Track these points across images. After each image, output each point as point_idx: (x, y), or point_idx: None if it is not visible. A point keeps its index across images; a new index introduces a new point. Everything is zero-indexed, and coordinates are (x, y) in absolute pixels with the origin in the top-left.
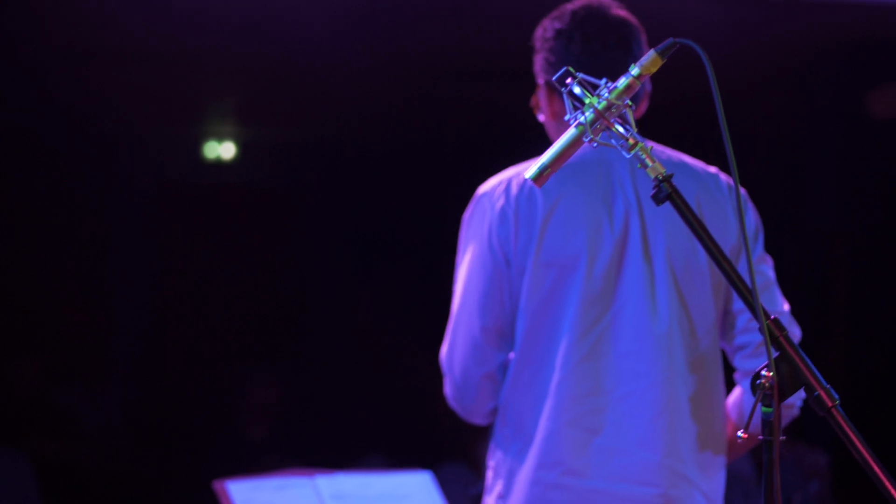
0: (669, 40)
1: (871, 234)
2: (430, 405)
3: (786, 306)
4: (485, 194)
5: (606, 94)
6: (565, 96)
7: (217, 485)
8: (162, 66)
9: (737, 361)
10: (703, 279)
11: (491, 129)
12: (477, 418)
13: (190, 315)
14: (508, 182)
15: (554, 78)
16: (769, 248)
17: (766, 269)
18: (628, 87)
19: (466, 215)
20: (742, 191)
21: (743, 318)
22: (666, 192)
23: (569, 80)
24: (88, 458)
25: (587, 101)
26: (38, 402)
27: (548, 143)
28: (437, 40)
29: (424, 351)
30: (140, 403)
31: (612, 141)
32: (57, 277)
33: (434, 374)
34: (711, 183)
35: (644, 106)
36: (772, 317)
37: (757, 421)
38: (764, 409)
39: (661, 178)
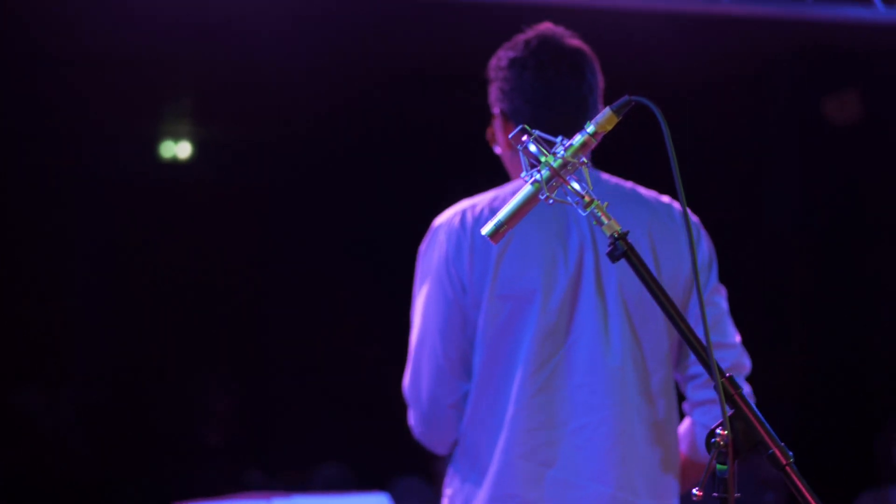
0: (625, 98)
1: (828, 237)
2: (390, 416)
3: (737, 338)
4: (441, 226)
5: (562, 152)
6: (521, 154)
7: None
8: (119, 67)
9: (688, 392)
10: (655, 312)
11: (448, 130)
12: (440, 448)
13: (148, 316)
14: (463, 214)
15: (510, 136)
16: (730, 252)
17: (719, 300)
18: (584, 145)
19: (423, 247)
20: (695, 219)
21: None
22: (622, 249)
23: (525, 138)
24: (45, 461)
25: (543, 159)
26: None
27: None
28: (396, 42)
29: (386, 358)
30: (98, 407)
31: (568, 198)
32: (14, 276)
33: (395, 381)
34: (664, 213)
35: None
36: (727, 374)
37: (703, 436)
38: (719, 466)
39: (616, 235)
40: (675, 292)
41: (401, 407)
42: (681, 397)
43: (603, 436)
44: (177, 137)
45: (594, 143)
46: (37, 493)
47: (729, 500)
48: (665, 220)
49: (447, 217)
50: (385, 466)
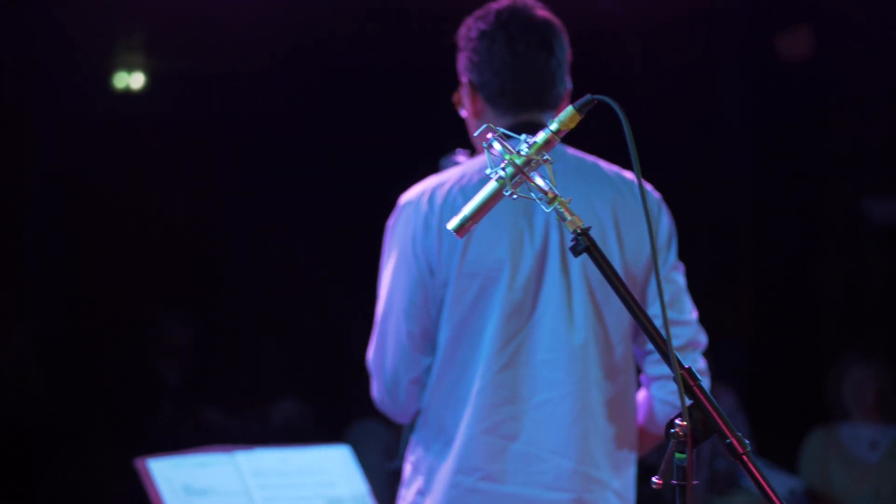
0: (587, 97)
1: (778, 175)
2: (350, 353)
3: (694, 314)
4: (408, 203)
5: (526, 150)
6: (486, 151)
7: (138, 462)
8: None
9: (645, 366)
10: None
11: (398, 64)
12: (402, 418)
13: (103, 250)
14: (433, 191)
15: (475, 134)
16: (685, 193)
17: (677, 277)
18: (547, 142)
19: (390, 222)
20: (657, 195)
21: (655, 323)
22: (584, 245)
23: (489, 136)
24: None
25: (506, 156)
26: None
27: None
28: None
29: (348, 293)
30: (53, 342)
31: (532, 194)
32: None
33: (355, 317)
34: (627, 191)
35: (566, 104)
36: (686, 366)
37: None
38: (678, 455)
39: (579, 231)
40: (637, 269)
41: (361, 343)
42: (638, 369)
43: (565, 411)
44: (130, 68)
45: (557, 141)
46: None
47: (687, 487)
48: (628, 198)
49: (415, 195)
50: (344, 406)
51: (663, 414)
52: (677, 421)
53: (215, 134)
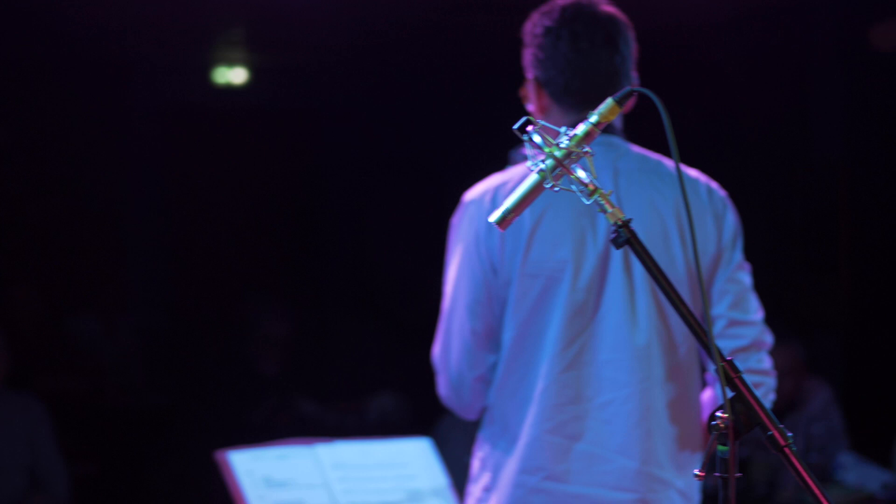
0: (627, 89)
1: (874, 165)
2: None
3: (759, 314)
4: (472, 201)
5: (566, 142)
6: (526, 144)
7: (219, 455)
8: None
9: (710, 365)
10: (681, 287)
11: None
12: (471, 415)
13: (204, 244)
14: (496, 190)
15: (515, 127)
16: (779, 186)
17: (743, 277)
18: (587, 135)
19: (455, 220)
20: (722, 193)
21: (720, 323)
22: (625, 237)
23: (529, 128)
24: (103, 388)
25: (546, 149)
26: (51, 334)
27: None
28: None
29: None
30: (155, 334)
31: (573, 187)
32: (71, 206)
33: None
34: (691, 189)
35: (631, 102)
36: (728, 357)
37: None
38: (720, 447)
39: (619, 223)
40: (701, 270)
41: None
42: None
43: (629, 411)
44: (231, 63)
45: (597, 133)
46: (94, 421)
47: (730, 480)
48: (691, 197)
49: (478, 193)
50: (434, 399)
51: None
52: (718, 413)
53: (314, 127)
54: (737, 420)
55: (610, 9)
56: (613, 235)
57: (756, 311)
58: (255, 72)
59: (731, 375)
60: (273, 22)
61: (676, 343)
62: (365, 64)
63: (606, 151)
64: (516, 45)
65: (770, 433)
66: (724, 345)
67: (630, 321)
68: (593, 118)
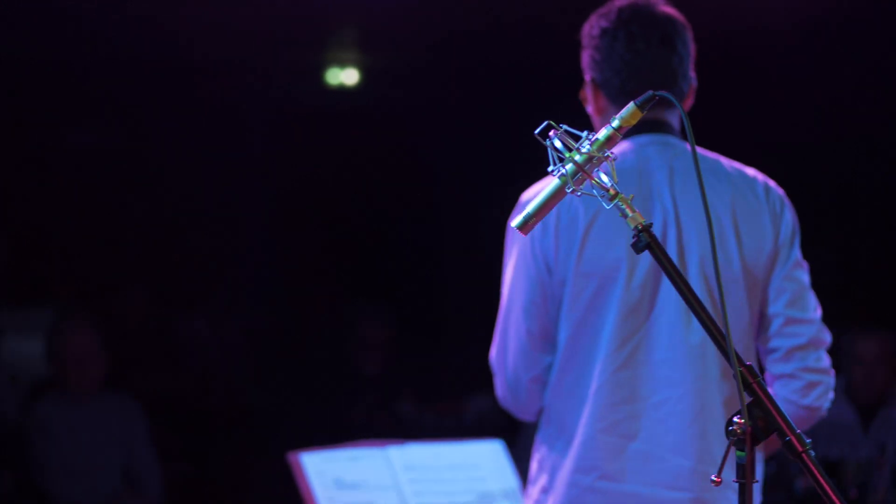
0: (648, 93)
1: None
2: None
3: (817, 312)
4: (528, 201)
5: (588, 147)
6: (549, 148)
7: (291, 456)
8: None
9: (768, 364)
10: (737, 286)
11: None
12: (528, 416)
13: (312, 245)
14: None
15: (536, 132)
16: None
17: (800, 275)
18: (609, 139)
19: (512, 221)
20: (780, 192)
21: (777, 322)
22: (645, 241)
23: (551, 133)
24: (210, 388)
25: (567, 154)
26: (158, 334)
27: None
28: None
29: None
30: (261, 335)
31: (594, 191)
32: (182, 208)
33: None
34: (748, 187)
35: (690, 102)
36: (747, 363)
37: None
38: (738, 453)
39: (640, 227)
40: (757, 269)
41: None
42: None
43: (684, 410)
44: (343, 64)
45: (619, 138)
46: (199, 420)
47: (748, 485)
48: (748, 196)
49: (534, 192)
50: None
51: (787, 412)
52: (735, 419)
53: (425, 129)
54: (755, 425)
55: (668, 9)
56: (633, 240)
57: (814, 310)
58: (366, 73)
59: (748, 380)
60: (385, 23)
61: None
62: (477, 64)
63: (662, 150)
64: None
65: (788, 438)
66: (782, 343)
67: (685, 320)
68: (615, 122)
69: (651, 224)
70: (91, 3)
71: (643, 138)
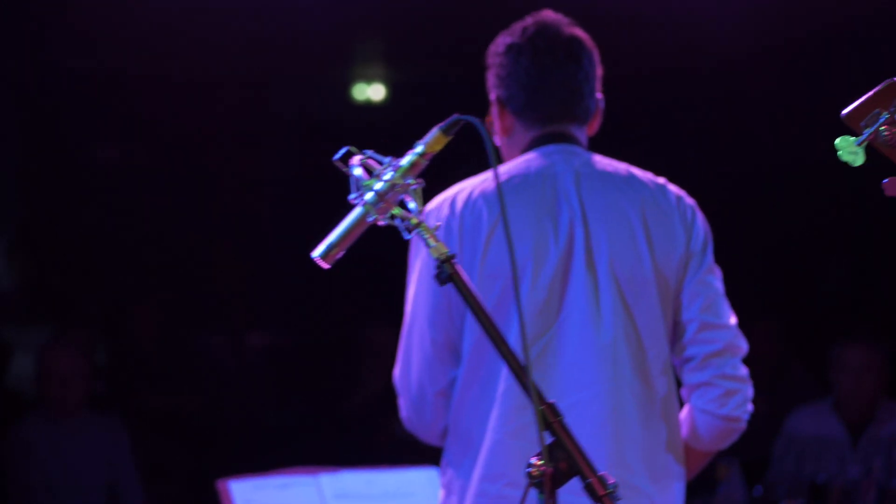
0: (454, 117)
1: None
2: None
3: (732, 319)
4: (430, 212)
5: (391, 174)
6: (350, 176)
7: (219, 484)
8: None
9: (684, 375)
10: (648, 287)
11: None
12: (433, 439)
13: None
14: (454, 197)
15: (335, 158)
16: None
17: (713, 281)
18: (413, 166)
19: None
20: (690, 201)
21: (692, 327)
22: (447, 273)
23: (352, 160)
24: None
25: (365, 183)
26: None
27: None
28: None
29: None
30: (280, 350)
31: (396, 222)
32: (204, 222)
33: None
34: (659, 194)
35: (597, 123)
36: (549, 401)
37: (701, 419)
38: (540, 496)
39: (442, 258)
40: (668, 272)
41: None
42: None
43: (594, 413)
44: (369, 80)
45: (424, 164)
46: (219, 438)
47: None
48: (659, 200)
49: (437, 203)
50: None
51: (705, 424)
52: (533, 460)
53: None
54: (556, 468)
55: (573, 30)
56: (436, 271)
57: (728, 316)
58: (393, 88)
59: (550, 420)
60: (411, 38)
61: (644, 345)
62: None
63: (568, 158)
64: None
65: (589, 481)
66: (698, 350)
67: (595, 320)
68: (419, 148)
69: (454, 256)
70: (121, 16)
71: (549, 147)
